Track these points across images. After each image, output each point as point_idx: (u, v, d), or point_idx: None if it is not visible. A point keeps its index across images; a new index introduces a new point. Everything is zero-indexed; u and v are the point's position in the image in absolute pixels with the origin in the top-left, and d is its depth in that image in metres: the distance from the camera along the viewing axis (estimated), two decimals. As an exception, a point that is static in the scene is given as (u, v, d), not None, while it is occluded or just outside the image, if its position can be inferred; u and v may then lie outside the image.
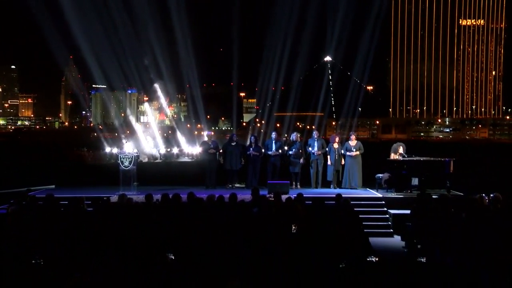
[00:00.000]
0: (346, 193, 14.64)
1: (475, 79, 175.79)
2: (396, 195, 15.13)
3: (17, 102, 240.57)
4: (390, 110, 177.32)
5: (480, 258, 8.40)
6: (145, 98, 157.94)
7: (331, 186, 16.91)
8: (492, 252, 8.49)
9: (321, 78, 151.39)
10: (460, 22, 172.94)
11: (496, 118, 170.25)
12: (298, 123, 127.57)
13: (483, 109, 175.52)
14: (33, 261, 8.27)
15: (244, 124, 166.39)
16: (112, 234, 9.14)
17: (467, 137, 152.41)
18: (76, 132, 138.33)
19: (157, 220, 9.78)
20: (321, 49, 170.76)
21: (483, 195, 11.39)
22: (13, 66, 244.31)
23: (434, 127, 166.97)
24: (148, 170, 18.44)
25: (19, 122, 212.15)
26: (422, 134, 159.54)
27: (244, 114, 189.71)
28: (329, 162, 16.93)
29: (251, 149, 16.99)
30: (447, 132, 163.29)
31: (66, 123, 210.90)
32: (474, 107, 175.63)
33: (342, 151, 16.95)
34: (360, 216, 10.89)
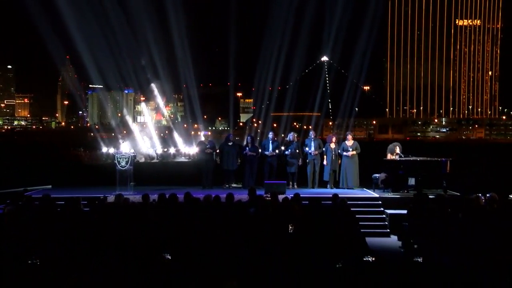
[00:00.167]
0: (343, 193, 14.63)
1: (471, 79, 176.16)
2: (393, 195, 15.13)
3: (13, 102, 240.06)
4: (387, 110, 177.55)
5: (476, 258, 8.41)
6: (142, 98, 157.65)
7: (328, 186, 16.91)
8: (489, 252, 8.51)
9: (318, 78, 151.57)
10: (457, 22, 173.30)
11: (492, 118, 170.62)
12: (295, 123, 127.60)
13: (479, 109, 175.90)
14: (29, 262, 8.25)
15: (241, 124, 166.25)
16: (109, 234, 9.13)
17: (463, 137, 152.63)
18: (72, 132, 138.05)
19: (154, 220, 9.77)
20: (318, 49, 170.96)
21: (480, 195, 11.42)
22: (9, 66, 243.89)
23: (431, 127, 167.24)
24: (144, 170, 18.46)
25: (16, 122, 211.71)
26: (419, 134, 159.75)
27: (241, 114, 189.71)
28: (325, 162, 16.94)
29: (247, 148, 16.99)
30: (444, 132, 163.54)
31: (63, 123, 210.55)
32: (470, 107, 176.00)
33: (339, 151, 16.96)
34: (356, 216, 10.93)
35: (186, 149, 25.02)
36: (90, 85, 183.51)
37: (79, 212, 10.52)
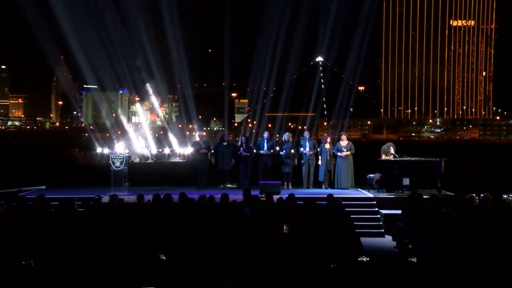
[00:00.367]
0: (338, 193, 14.65)
1: (465, 79, 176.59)
2: (387, 195, 15.15)
3: (7, 102, 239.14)
4: (382, 110, 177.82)
5: (471, 258, 8.44)
6: (137, 99, 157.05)
7: (323, 186, 16.93)
8: (483, 252, 8.54)
9: (313, 78, 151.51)
10: (451, 23, 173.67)
11: (486, 118, 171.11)
12: (289, 124, 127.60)
13: (473, 110, 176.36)
14: (23, 262, 8.23)
15: (236, 124, 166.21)
16: (104, 235, 9.11)
17: (457, 137, 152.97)
18: (67, 132, 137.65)
19: (149, 220, 9.75)
20: (312, 50, 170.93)
21: (474, 195, 11.45)
22: (3, 66, 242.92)
23: (425, 127, 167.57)
24: (139, 171, 18.40)
25: (10, 123, 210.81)
26: (413, 134, 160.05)
27: (235, 115, 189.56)
28: (320, 163, 16.95)
29: (241, 148, 16.99)
30: (438, 132, 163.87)
31: (57, 124, 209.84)
32: (464, 107, 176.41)
33: (334, 152, 16.99)
34: (351, 216, 10.93)
35: (181, 150, 24.95)
36: (85, 85, 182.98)
37: (73, 212, 10.48)
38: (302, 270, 8.06)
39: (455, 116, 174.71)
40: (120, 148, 16.00)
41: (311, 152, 16.98)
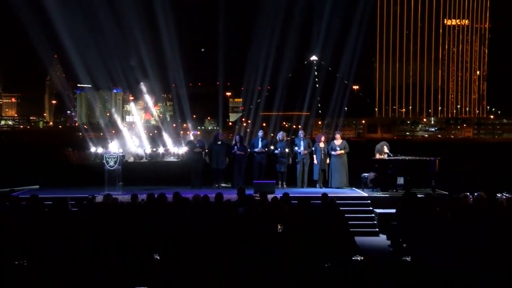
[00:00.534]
0: (332, 192, 14.68)
1: (459, 78, 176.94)
2: (382, 194, 15.19)
3: (0, 101, 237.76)
4: (376, 109, 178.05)
5: (465, 257, 8.44)
6: (131, 98, 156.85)
7: (317, 185, 16.94)
8: (477, 251, 8.54)
9: (307, 77, 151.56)
10: (445, 22, 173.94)
11: (480, 117, 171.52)
12: (284, 123, 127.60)
13: (467, 109, 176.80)
14: (16, 262, 8.18)
15: (230, 123, 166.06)
16: (97, 235, 9.07)
17: (452, 136, 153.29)
18: (61, 131, 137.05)
19: (143, 220, 9.72)
20: (307, 49, 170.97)
21: (468, 194, 11.45)
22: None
23: (420, 126, 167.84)
24: (133, 170, 18.33)
25: (3, 122, 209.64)
26: (408, 133, 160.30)
27: (230, 114, 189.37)
28: (315, 161, 16.96)
29: (235, 147, 16.98)
30: (432, 131, 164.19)
31: (51, 123, 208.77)
32: (459, 106, 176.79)
33: (328, 150, 17.00)
34: (346, 215, 10.93)
35: (175, 149, 24.90)
36: (78, 85, 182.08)
37: (67, 212, 10.44)
38: (297, 270, 8.04)
39: (449, 115, 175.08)
40: (114, 147, 15.96)
41: (306, 151, 16.98)
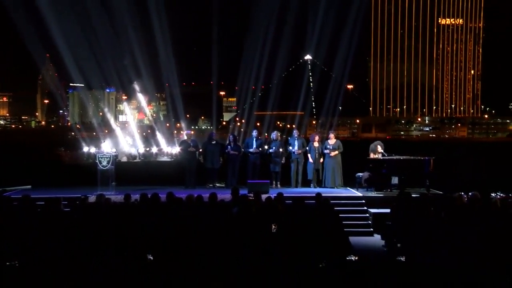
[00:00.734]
0: (326, 192, 14.64)
1: (454, 78, 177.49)
2: (376, 194, 15.17)
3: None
4: (371, 109, 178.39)
5: (459, 256, 8.44)
6: (124, 97, 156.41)
7: (311, 185, 16.92)
8: (471, 250, 8.55)
9: (301, 77, 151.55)
10: (439, 21, 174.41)
11: (475, 117, 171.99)
12: (278, 122, 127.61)
13: (462, 108, 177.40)
14: (8, 263, 8.12)
15: (224, 123, 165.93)
16: (90, 235, 9.02)
17: (446, 135, 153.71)
18: (53, 131, 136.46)
19: (136, 220, 9.68)
20: (301, 48, 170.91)
21: (462, 193, 11.46)
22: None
23: (414, 126, 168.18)
24: (126, 170, 18.23)
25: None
26: (402, 133, 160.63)
27: (224, 113, 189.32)
28: (310, 160, 16.94)
29: (229, 147, 16.94)
30: (427, 131, 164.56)
31: (43, 122, 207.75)
32: (453, 106, 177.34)
33: (322, 149, 16.99)
34: (340, 215, 10.90)
35: (169, 149, 24.80)
36: (71, 84, 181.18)
37: (59, 212, 10.36)
38: (291, 270, 8.02)
39: (444, 114, 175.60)
40: (107, 147, 15.88)
41: (300, 151, 16.95)
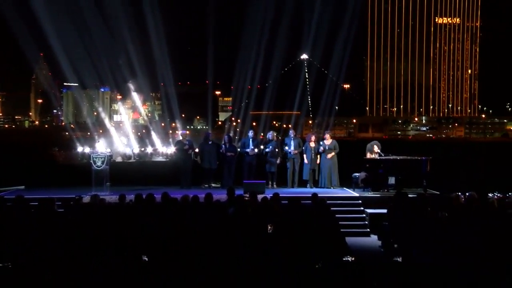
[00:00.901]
0: (323, 192, 14.65)
1: (451, 77, 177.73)
2: (373, 194, 15.14)
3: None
4: (367, 108, 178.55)
5: (456, 257, 8.40)
6: (119, 97, 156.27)
7: (307, 185, 16.87)
8: (469, 250, 8.51)
9: (298, 76, 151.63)
10: (436, 20, 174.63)
11: (472, 116, 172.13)
12: (274, 122, 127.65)
13: (459, 108, 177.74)
14: (1, 265, 8.04)
15: (220, 123, 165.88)
16: (84, 236, 8.96)
17: (443, 135, 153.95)
18: (47, 131, 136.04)
19: (131, 221, 9.64)
20: (297, 47, 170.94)
21: (459, 194, 11.45)
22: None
23: (411, 125, 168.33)
24: (121, 170, 18.17)
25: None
26: (399, 132, 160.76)
27: (219, 113, 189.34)
28: (305, 161, 16.90)
29: (223, 146, 16.89)
30: (424, 130, 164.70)
31: (37, 122, 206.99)
32: (450, 105, 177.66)
33: (318, 149, 16.96)
34: (336, 215, 10.90)
35: (164, 149, 24.73)
36: (65, 83, 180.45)
37: (53, 213, 10.31)
38: (287, 271, 7.97)
39: (441, 114, 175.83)
40: (101, 147, 15.81)
41: (296, 151, 16.91)
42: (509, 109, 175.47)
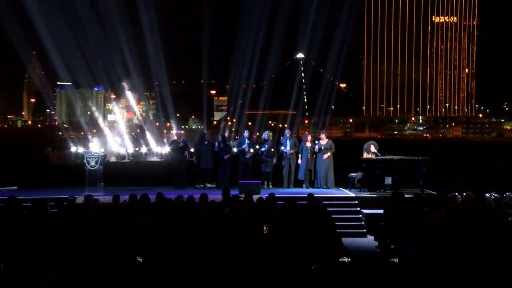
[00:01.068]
0: (319, 192, 14.63)
1: (448, 76, 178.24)
2: (369, 194, 15.11)
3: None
4: (364, 108, 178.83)
5: (453, 257, 8.38)
6: (113, 96, 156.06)
7: (303, 185, 16.82)
8: (465, 251, 8.49)
9: (294, 75, 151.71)
10: (433, 19, 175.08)
11: (469, 116, 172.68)
12: (270, 122, 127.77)
13: (456, 107, 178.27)
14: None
15: (215, 122, 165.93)
16: (78, 237, 8.91)
17: (440, 135, 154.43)
18: (40, 131, 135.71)
19: (125, 221, 9.58)
20: (293, 46, 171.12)
21: (456, 194, 11.43)
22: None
23: (408, 125, 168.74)
24: (115, 170, 18.08)
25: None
26: (396, 132, 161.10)
27: (214, 112, 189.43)
28: (300, 161, 16.85)
29: (216, 145, 16.84)
30: (421, 130, 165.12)
31: (30, 122, 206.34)
32: (447, 105, 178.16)
33: (313, 148, 16.92)
34: (332, 216, 10.83)
35: (158, 148, 24.62)
36: (58, 83, 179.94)
37: (46, 214, 10.23)
38: (283, 271, 7.93)
39: (438, 113, 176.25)
40: (95, 147, 15.73)
41: (292, 151, 16.86)
42: (506, 108, 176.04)
